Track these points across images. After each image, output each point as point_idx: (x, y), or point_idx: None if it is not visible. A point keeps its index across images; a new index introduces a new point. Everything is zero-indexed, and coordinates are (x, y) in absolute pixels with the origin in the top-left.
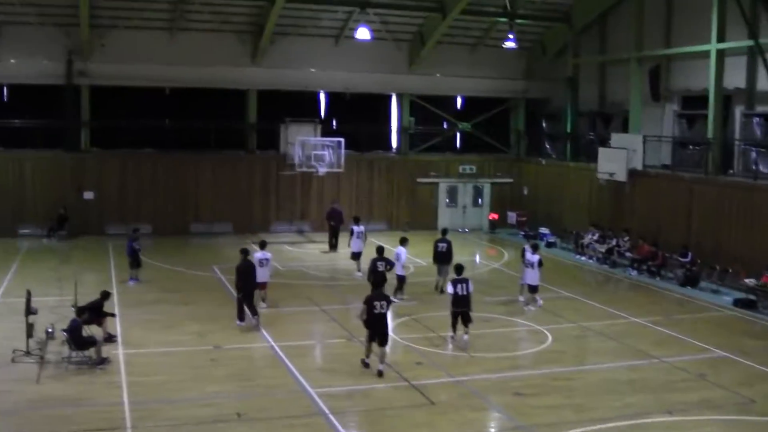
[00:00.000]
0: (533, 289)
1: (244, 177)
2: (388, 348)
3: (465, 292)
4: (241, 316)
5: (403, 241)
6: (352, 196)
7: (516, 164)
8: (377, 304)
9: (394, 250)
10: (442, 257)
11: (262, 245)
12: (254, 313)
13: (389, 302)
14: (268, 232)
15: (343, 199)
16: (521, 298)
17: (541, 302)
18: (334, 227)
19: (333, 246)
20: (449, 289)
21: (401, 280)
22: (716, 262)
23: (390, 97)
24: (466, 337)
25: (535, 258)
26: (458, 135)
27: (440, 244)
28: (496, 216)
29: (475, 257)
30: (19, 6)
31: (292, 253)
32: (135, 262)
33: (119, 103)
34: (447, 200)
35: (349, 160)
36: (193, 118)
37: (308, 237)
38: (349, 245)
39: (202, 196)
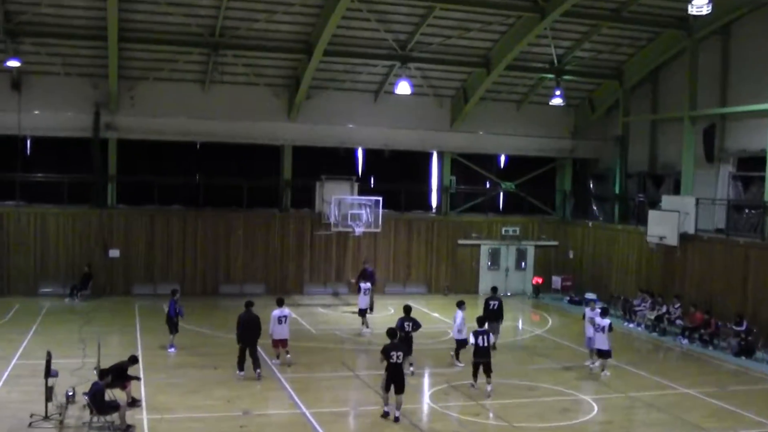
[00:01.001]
0: (606, 354)
1: (277, 236)
2: (403, 397)
3: (486, 344)
4: (241, 366)
5: (460, 305)
6: (389, 256)
7: (561, 226)
8: (394, 354)
9: (454, 314)
10: (494, 315)
11: (280, 302)
12: (257, 365)
13: (406, 353)
14: (302, 294)
15: (380, 260)
16: (594, 363)
17: (608, 372)
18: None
19: (371, 307)
20: (471, 339)
21: (461, 344)
22: None
23: (430, 154)
24: (489, 387)
25: (606, 322)
26: (501, 195)
27: (492, 302)
28: (540, 280)
29: (518, 323)
30: (46, 56)
31: (327, 315)
32: (174, 327)
33: (148, 158)
34: (489, 263)
35: (387, 219)
36: (224, 174)
37: (343, 299)
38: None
39: (233, 255)
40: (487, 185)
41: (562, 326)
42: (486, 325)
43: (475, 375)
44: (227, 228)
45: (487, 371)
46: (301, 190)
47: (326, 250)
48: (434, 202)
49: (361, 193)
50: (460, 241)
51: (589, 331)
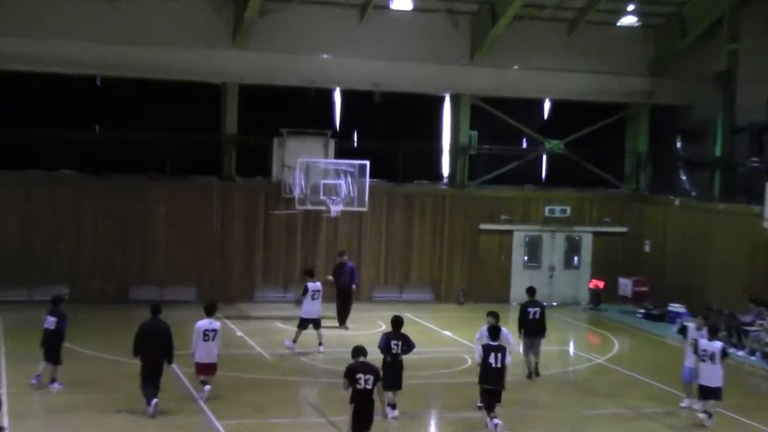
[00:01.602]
0: (715, 393)
1: (216, 217)
2: None
3: (500, 364)
4: (148, 393)
5: (495, 316)
6: (379, 248)
7: (633, 205)
8: (361, 377)
9: (503, 332)
10: (535, 327)
11: (209, 310)
12: (152, 395)
13: (377, 377)
14: (251, 302)
15: (366, 253)
16: (695, 405)
17: (713, 419)
18: (343, 290)
19: (341, 318)
20: (479, 354)
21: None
22: None
23: (441, 100)
24: (497, 422)
25: (717, 346)
26: (544, 159)
27: (531, 309)
28: (600, 284)
29: (568, 346)
30: None
31: (288, 333)
32: (57, 352)
33: (23, 100)
34: (525, 258)
35: (377, 193)
36: (138, 127)
37: None
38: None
39: (151, 245)
40: (524, 144)
41: (635, 352)
42: (500, 339)
43: (489, 405)
44: (142, 205)
45: (496, 400)
46: (252, 150)
47: (288, 237)
48: (446, 169)
49: (339, 155)
50: (484, 226)
51: (690, 359)
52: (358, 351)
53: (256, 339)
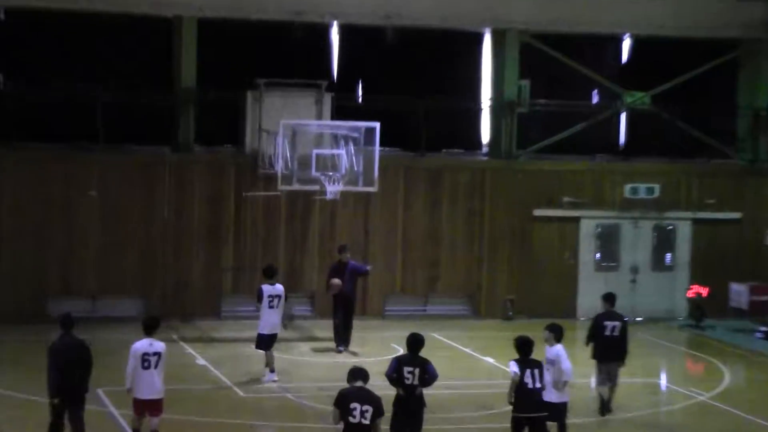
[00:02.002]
0: None
1: (168, 202)
2: None
3: (538, 385)
4: None
5: (556, 331)
6: (394, 243)
7: (749, 181)
8: (357, 408)
9: (554, 352)
10: (612, 348)
11: (149, 328)
12: None
13: (378, 410)
14: (217, 318)
15: (375, 249)
16: None
17: None
18: (343, 300)
19: (342, 338)
20: (513, 372)
21: (560, 410)
22: None
23: (479, 38)
24: None
25: None
26: (623, 118)
27: (608, 323)
28: (703, 291)
29: (659, 376)
30: None
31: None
32: None
33: None
34: (598, 256)
35: (392, 168)
36: (58, 78)
37: (299, 328)
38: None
39: (79, 241)
40: (594, 99)
41: (753, 386)
42: (532, 351)
43: None
44: (65, 186)
45: None
46: (218, 109)
47: (268, 229)
48: (486, 134)
49: (338, 115)
50: (539, 212)
51: None
52: (356, 374)
53: (224, 369)
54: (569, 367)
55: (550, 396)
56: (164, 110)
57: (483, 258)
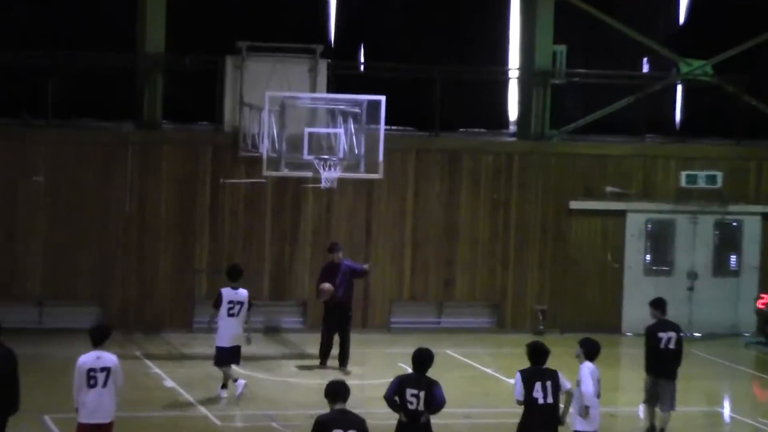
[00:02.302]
0: None
1: (131, 190)
2: None
3: (550, 399)
4: None
5: (587, 346)
6: (402, 241)
7: None
8: None
9: (579, 372)
10: (667, 361)
11: (98, 338)
12: None
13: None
14: (188, 330)
15: (382, 249)
16: None
17: None
18: (335, 308)
19: (340, 355)
20: (519, 390)
21: None
22: None
23: None
24: None
25: None
26: (678, 92)
27: (663, 335)
28: None
29: (721, 404)
30: None
31: (256, 383)
32: None
33: None
34: (647, 258)
35: (400, 150)
36: None
37: (287, 344)
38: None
39: (22, 237)
40: (644, 68)
41: None
42: (546, 359)
43: None
44: (7, 170)
45: None
46: (190, 78)
47: (250, 223)
48: (513, 110)
49: (336, 86)
50: (577, 204)
51: None
52: (336, 393)
53: (197, 392)
54: (589, 389)
55: (575, 424)
56: (126, 79)
57: (509, 259)
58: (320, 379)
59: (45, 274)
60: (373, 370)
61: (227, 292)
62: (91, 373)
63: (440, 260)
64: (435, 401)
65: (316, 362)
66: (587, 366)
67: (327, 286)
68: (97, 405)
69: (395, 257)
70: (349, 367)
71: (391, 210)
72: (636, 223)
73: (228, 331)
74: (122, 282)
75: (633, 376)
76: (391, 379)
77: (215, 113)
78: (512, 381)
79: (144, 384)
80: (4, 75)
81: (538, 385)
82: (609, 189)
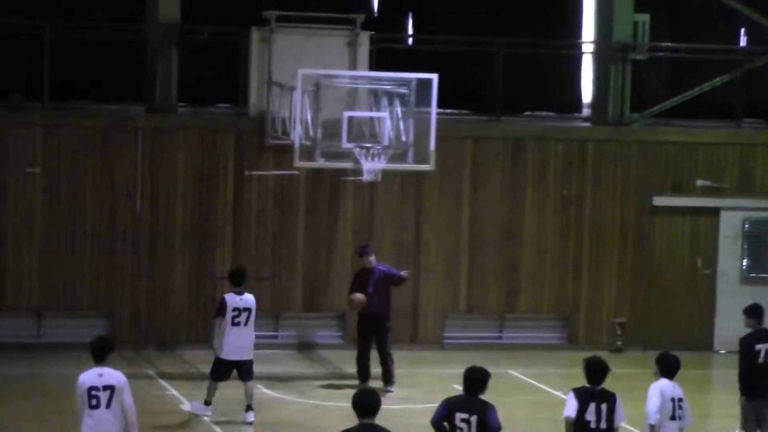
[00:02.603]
0: None
1: (141, 183)
2: None
3: (603, 425)
4: None
5: (662, 362)
6: (458, 244)
7: None
8: None
9: (650, 388)
10: (766, 379)
11: (100, 354)
12: None
13: None
14: (206, 344)
15: (433, 253)
16: None
17: None
18: (373, 319)
19: (383, 374)
20: (571, 407)
21: None
22: None
23: None
24: None
25: None
26: None
27: (760, 346)
28: None
29: None
30: None
31: (275, 404)
32: None
33: None
34: (744, 263)
35: (455, 138)
36: None
37: (320, 361)
38: (214, 343)
39: (16, 237)
40: (742, 41)
41: None
42: (603, 379)
43: None
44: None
45: None
46: (210, 52)
47: (280, 222)
48: (587, 91)
49: (379, 64)
50: (661, 200)
51: None
52: (364, 405)
53: (218, 417)
54: (652, 408)
55: None
56: (136, 54)
57: (582, 265)
58: (344, 403)
59: (43, 281)
60: (422, 393)
61: (232, 299)
62: (93, 392)
63: (502, 266)
64: (489, 427)
65: (356, 383)
66: (658, 383)
67: (359, 296)
68: (100, 428)
69: (449, 263)
70: (395, 388)
71: (444, 208)
72: (731, 223)
73: (231, 342)
74: (131, 290)
75: (727, 401)
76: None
77: (238, 94)
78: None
79: (158, 408)
80: None
81: (592, 407)
82: (700, 183)
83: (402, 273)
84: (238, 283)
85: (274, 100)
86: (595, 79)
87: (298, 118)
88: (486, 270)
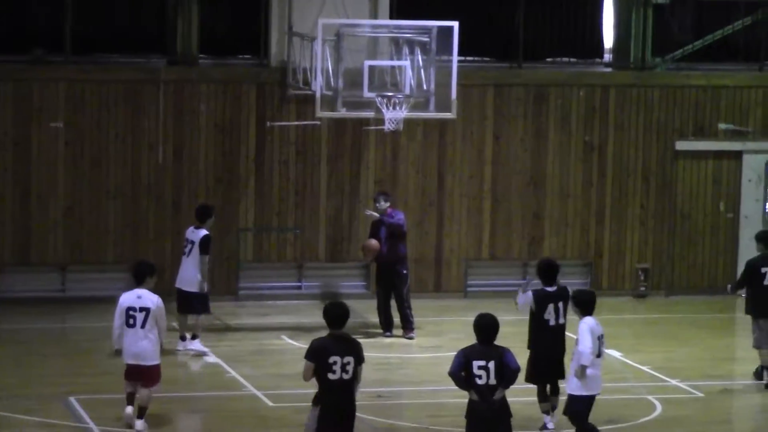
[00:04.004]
0: None
1: (163, 135)
2: None
3: (563, 320)
4: None
5: (581, 300)
6: (479, 191)
7: None
8: (336, 362)
9: (579, 327)
10: None
11: (139, 274)
12: None
13: (360, 359)
14: (233, 298)
15: (456, 201)
16: None
17: None
18: (386, 267)
19: (403, 321)
20: (521, 299)
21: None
22: None
23: None
24: (551, 425)
25: None
26: None
27: (766, 269)
28: None
29: None
30: None
31: (302, 354)
32: None
33: None
34: None
35: (477, 86)
36: None
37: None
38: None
39: (40, 193)
40: None
41: None
42: (556, 278)
43: (541, 396)
44: (20, 115)
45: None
46: (231, 3)
47: (303, 173)
48: (609, 36)
49: (400, 11)
50: (684, 145)
51: None
52: (334, 317)
53: (245, 369)
54: (584, 347)
55: (571, 387)
56: (156, 5)
57: (605, 212)
58: (382, 352)
59: (67, 236)
60: (447, 341)
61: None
62: (131, 312)
63: (525, 213)
64: (509, 369)
65: (380, 332)
66: (586, 322)
67: (371, 243)
68: (134, 346)
69: (472, 211)
70: (421, 337)
71: (467, 156)
72: (754, 166)
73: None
74: (156, 244)
75: (749, 346)
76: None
77: (260, 45)
78: (612, 352)
79: (183, 360)
80: (11, 3)
81: (550, 308)
82: (723, 126)
83: (395, 219)
84: (202, 219)
85: (295, 50)
86: (617, 24)
87: (320, 68)
88: (509, 217)
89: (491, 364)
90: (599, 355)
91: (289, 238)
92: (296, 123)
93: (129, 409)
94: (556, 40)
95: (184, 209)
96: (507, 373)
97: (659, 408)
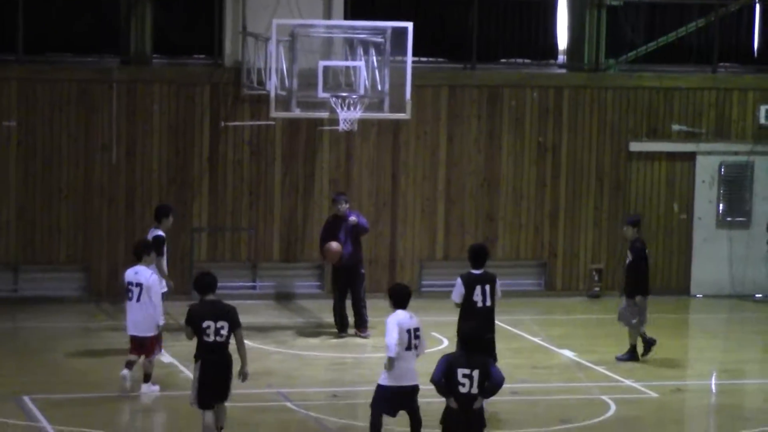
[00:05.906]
0: None
1: (116, 134)
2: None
3: (489, 302)
4: None
5: (393, 294)
6: (434, 193)
7: None
8: (210, 326)
9: (386, 322)
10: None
11: (139, 251)
12: None
13: (235, 323)
14: (187, 296)
15: (411, 201)
16: None
17: None
18: (347, 269)
19: (356, 320)
20: (456, 295)
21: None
22: None
23: None
24: None
25: None
26: (756, 12)
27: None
28: None
29: None
30: None
31: (258, 354)
32: None
33: None
34: (721, 207)
35: (431, 86)
36: None
37: (301, 312)
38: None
39: None
40: None
41: None
42: (485, 263)
43: None
44: None
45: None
46: (184, 3)
47: (256, 173)
48: (563, 38)
49: (354, 12)
50: (637, 146)
51: None
52: (205, 285)
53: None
54: (390, 340)
55: (380, 376)
56: (110, 6)
57: (558, 212)
58: (339, 352)
59: (19, 235)
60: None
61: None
62: (129, 286)
63: (478, 214)
64: (494, 381)
65: (334, 331)
66: (395, 315)
67: (335, 246)
68: (133, 318)
69: (426, 212)
70: (376, 337)
71: (420, 156)
72: (707, 168)
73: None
74: (109, 244)
75: (703, 345)
76: (427, 351)
77: (214, 45)
78: (565, 352)
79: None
80: None
81: (478, 289)
82: (676, 128)
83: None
84: (160, 218)
85: (250, 50)
86: (571, 25)
87: (274, 68)
88: (463, 218)
89: (475, 373)
90: (409, 348)
91: (243, 238)
92: (250, 123)
93: (125, 371)
94: (510, 42)
95: (137, 209)
96: (490, 384)
97: (613, 408)
